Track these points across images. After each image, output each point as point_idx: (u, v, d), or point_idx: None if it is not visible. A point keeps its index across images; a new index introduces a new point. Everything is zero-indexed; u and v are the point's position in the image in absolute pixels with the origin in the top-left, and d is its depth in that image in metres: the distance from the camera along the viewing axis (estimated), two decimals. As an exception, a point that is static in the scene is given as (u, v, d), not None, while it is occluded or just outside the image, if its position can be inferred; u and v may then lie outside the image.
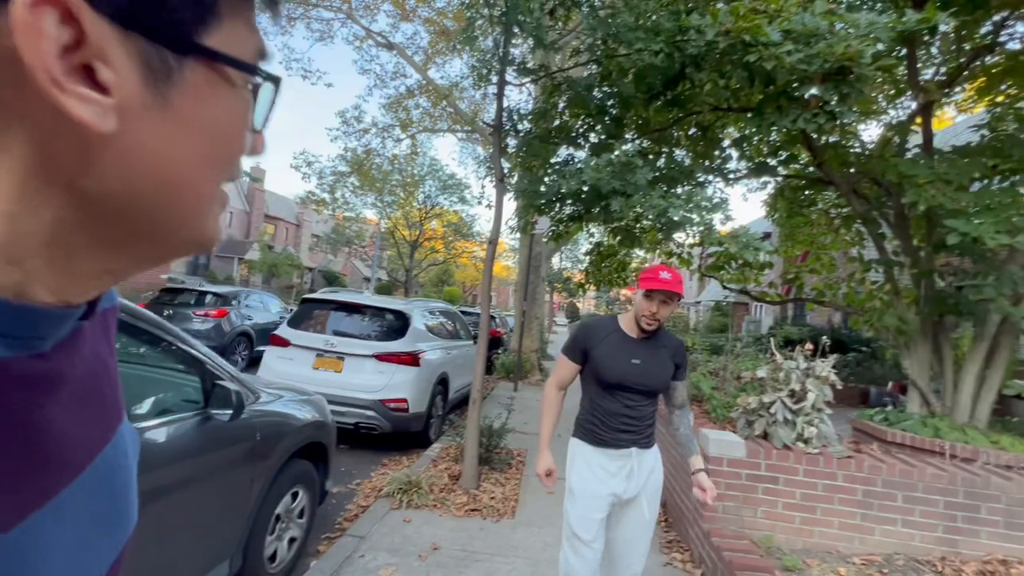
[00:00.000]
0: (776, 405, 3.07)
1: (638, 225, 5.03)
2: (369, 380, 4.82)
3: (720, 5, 3.15)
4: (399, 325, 5.34)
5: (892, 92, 5.31)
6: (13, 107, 0.23)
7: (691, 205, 3.02)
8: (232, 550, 2.18)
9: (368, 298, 5.99)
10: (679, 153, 5.76)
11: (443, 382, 5.80)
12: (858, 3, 3.25)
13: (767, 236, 8.63)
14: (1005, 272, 4.35)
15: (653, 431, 1.97)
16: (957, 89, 5.34)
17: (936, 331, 5.11)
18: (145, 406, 1.86)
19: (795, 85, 3.01)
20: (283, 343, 5.00)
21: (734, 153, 5.67)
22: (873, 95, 5.39)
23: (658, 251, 6.68)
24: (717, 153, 5.76)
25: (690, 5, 2.89)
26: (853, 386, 8.89)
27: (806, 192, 5.98)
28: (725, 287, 6.78)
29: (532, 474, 4.77)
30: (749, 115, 3.20)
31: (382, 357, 4.93)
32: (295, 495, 2.74)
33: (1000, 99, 5.24)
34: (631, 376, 1.88)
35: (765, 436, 3.20)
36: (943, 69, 4.84)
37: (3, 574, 0.25)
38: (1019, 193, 3.80)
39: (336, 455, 3.32)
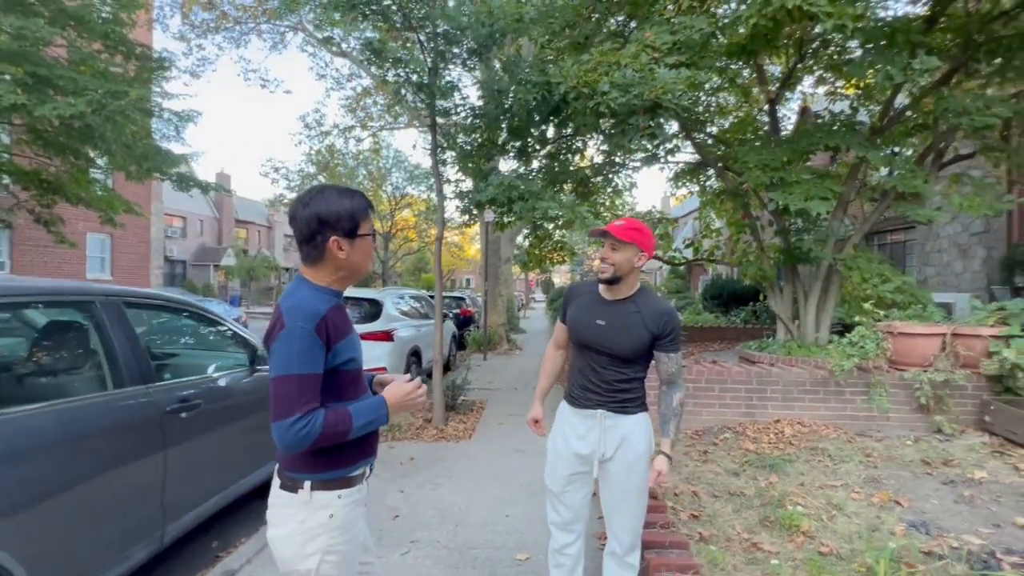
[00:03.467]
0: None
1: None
2: (354, 355, 6.10)
3: (583, 57, 4.40)
4: (375, 310, 6.62)
5: (746, 93, 6.67)
6: (328, 257, 1.31)
7: (562, 206, 4.32)
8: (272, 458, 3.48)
9: (349, 290, 7.23)
10: (591, 152, 7.08)
11: (416, 353, 7.11)
12: (679, 49, 4.51)
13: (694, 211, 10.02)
14: (822, 228, 5.82)
15: (633, 399, 1.89)
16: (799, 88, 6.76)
17: (794, 276, 6.60)
18: (222, 365, 3.12)
19: (630, 116, 4.31)
20: (282, 333, 6.23)
21: (634, 146, 7.00)
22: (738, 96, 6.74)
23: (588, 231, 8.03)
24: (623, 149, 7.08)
25: (557, 62, 4.10)
26: (763, 326, 10.50)
27: (695, 173, 7.34)
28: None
29: (490, 414, 6.14)
30: (604, 136, 4.49)
31: (363, 336, 6.18)
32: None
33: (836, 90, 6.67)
34: (594, 337, 1.86)
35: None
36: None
37: (354, 346, 1.36)
38: (811, 172, 5.21)
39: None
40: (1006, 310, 4.31)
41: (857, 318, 4.38)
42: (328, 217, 1.26)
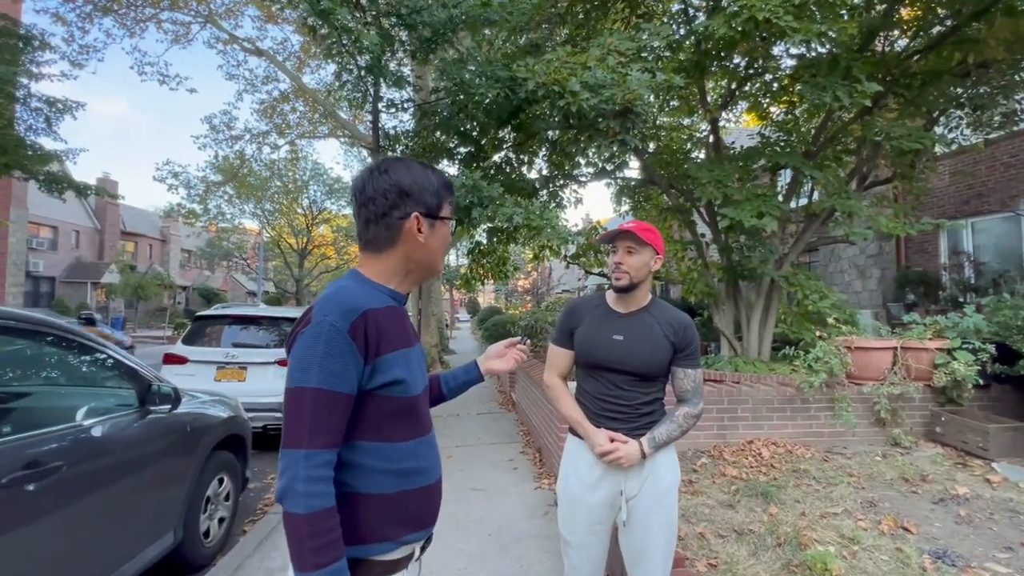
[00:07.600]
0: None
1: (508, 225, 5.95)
2: (273, 384, 5.19)
3: (546, 56, 4.09)
4: (298, 332, 5.73)
5: (690, 112, 6.80)
6: (403, 241, 1.03)
7: (528, 211, 3.94)
8: (175, 523, 2.65)
9: (264, 309, 6.25)
10: (538, 163, 6.80)
11: (346, 380, 6.27)
12: (642, 56, 4.37)
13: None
14: (766, 245, 5.96)
15: (655, 422, 1.64)
16: (738, 108, 7.03)
17: (736, 293, 6.72)
18: (93, 406, 2.30)
19: (599, 120, 4.05)
20: (180, 360, 5.16)
21: (581, 160, 6.84)
22: (680, 114, 6.85)
23: (532, 245, 7.72)
24: (572, 161, 6.89)
25: (517, 61, 3.78)
26: (703, 343, 10.84)
27: (638, 190, 7.35)
28: (588, 272, 8.02)
29: (434, 447, 5.48)
30: (569, 140, 4.20)
31: (284, 362, 5.31)
32: (221, 481, 3.20)
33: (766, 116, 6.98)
34: (611, 353, 1.62)
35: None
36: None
37: (407, 365, 0.99)
38: (760, 189, 5.33)
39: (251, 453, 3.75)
40: (940, 324, 4.54)
41: (818, 332, 4.39)
42: (411, 188, 1.01)
